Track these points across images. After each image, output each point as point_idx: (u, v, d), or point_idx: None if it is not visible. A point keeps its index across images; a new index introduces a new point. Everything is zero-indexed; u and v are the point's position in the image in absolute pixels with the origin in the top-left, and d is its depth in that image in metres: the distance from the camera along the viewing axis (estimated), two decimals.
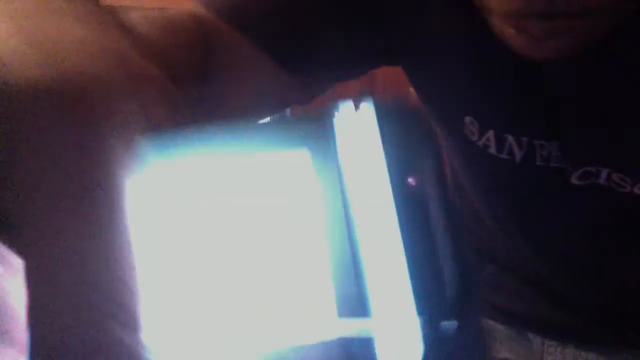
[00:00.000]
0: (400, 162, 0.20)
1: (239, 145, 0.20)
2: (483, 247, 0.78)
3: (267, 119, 0.21)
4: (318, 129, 0.20)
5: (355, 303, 0.19)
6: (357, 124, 0.20)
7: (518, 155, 0.60)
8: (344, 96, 0.21)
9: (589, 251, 0.66)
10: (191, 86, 0.40)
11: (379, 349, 0.18)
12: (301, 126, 0.20)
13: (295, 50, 0.57)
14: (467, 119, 0.61)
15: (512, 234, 0.70)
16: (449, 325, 0.19)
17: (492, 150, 0.61)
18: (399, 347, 0.19)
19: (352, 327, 0.18)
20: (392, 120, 0.20)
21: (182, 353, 0.19)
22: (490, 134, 0.60)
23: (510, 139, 0.59)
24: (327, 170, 0.20)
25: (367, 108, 0.20)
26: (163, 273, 0.20)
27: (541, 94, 0.56)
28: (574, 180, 0.60)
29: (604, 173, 0.58)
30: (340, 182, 0.19)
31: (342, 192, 0.19)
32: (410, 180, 0.20)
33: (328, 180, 0.20)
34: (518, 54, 0.51)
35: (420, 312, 0.19)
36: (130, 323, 0.19)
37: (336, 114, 0.21)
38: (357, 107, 0.21)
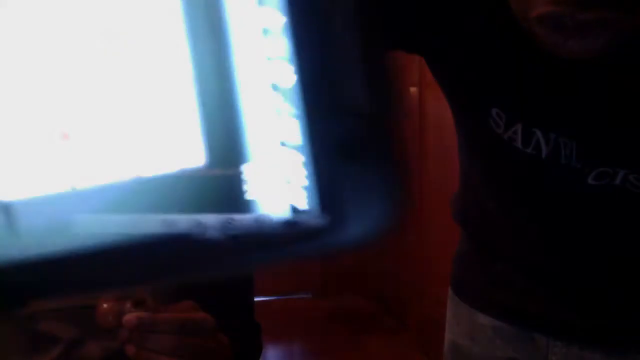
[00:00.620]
0: None
1: None
2: (491, 245, 0.79)
3: None
4: None
5: (229, 124, 0.15)
6: None
7: (544, 150, 0.61)
8: None
9: (602, 251, 0.68)
10: None
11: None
12: None
13: None
14: (494, 110, 0.62)
15: (526, 231, 0.71)
16: (350, 143, 0.15)
17: (518, 143, 0.61)
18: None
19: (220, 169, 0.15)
20: None
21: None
22: (518, 127, 0.60)
23: (538, 133, 0.60)
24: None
25: None
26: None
27: (571, 91, 0.58)
28: (590, 180, 0.62)
29: (621, 174, 0.60)
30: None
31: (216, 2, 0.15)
32: None
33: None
34: (552, 53, 0.53)
35: (308, 130, 0.15)
36: None
37: None
38: None
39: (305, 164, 0.15)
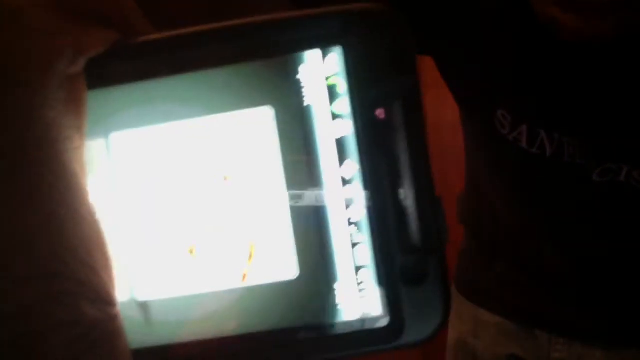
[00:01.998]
0: (370, 96, 0.20)
1: (195, 104, 0.20)
2: (495, 243, 0.79)
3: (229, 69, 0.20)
4: (283, 84, 0.20)
5: (317, 248, 0.20)
6: (323, 74, 0.20)
7: (549, 150, 0.62)
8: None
9: (605, 247, 0.68)
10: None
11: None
12: (264, 80, 0.20)
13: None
14: (500, 112, 0.62)
15: (531, 229, 0.72)
16: (412, 268, 0.20)
17: (523, 144, 0.62)
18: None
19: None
20: (364, 55, 0.19)
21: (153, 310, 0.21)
22: (523, 128, 0.61)
23: (542, 133, 0.61)
24: (290, 128, 0.20)
25: (335, 57, 0.20)
26: (127, 236, 0.21)
27: (574, 90, 0.58)
28: (595, 177, 0.62)
29: (625, 170, 0.60)
30: (305, 140, 0.20)
31: (305, 147, 0.20)
32: (379, 112, 0.20)
33: (291, 138, 0.20)
34: (558, 40, 0.52)
35: (378, 257, 0.20)
36: (99, 296, 0.19)
37: (302, 66, 0.20)
38: (324, 55, 0.20)
39: (376, 282, 0.20)
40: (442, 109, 2.00)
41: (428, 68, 0.71)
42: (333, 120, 0.20)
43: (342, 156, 0.20)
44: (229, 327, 0.20)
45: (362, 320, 0.20)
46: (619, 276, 0.70)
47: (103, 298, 0.19)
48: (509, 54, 0.61)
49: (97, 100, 0.19)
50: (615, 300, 0.72)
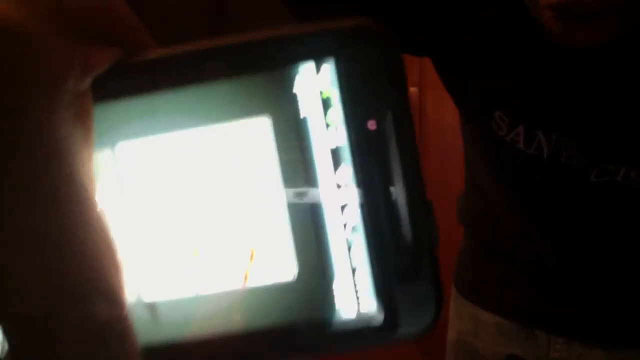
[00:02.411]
0: (362, 107, 0.21)
1: (196, 115, 0.21)
2: (495, 243, 0.80)
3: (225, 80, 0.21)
4: (279, 95, 0.21)
5: (314, 250, 0.21)
6: (317, 86, 0.21)
7: (546, 151, 0.62)
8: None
9: (604, 247, 0.68)
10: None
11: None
12: (260, 92, 0.21)
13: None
14: (497, 113, 0.63)
15: (530, 229, 0.72)
16: (404, 268, 0.21)
17: (521, 145, 0.63)
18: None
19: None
20: (355, 68, 0.21)
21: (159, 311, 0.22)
22: (520, 129, 0.62)
23: (540, 134, 0.61)
24: (286, 136, 0.21)
25: (329, 69, 0.21)
26: (135, 241, 0.22)
27: (572, 90, 0.58)
28: (593, 177, 0.62)
29: (622, 170, 0.60)
30: (302, 148, 0.21)
31: (301, 155, 0.21)
32: (371, 123, 0.21)
33: (287, 146, 0.21)
34: (554, 43, 0.52)
35: (373, 258, 0.21)
36: (110, 298, 0.20)
37: (297, 78, 0.21)
38: (318, 68, 0.21)
39: (371, 282, 0.21)
40: (442, 109, 2.01)
41: (428, 69, 0.71)
42: (327, 129, 0.21)
43: (336, 163, 0.21)
44: (232, 326, 0.21)
45: (359, 318, 0.21)
46: (618, 276, 0.70)
47: (113, 298, 0.20)
48: (505, 56, 0.61)
49: (104, 113, 0.21)
50: (614, 300, 0.72)
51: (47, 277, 0.19)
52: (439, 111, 1.99)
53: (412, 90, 2.18)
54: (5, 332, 0.19)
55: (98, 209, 0.20)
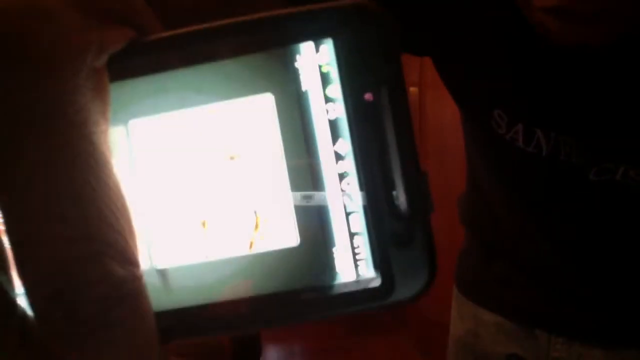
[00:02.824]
0: (359, 82, 0.22)
1: (203, 93, 0.23)
2: (495, 243, 0.80)
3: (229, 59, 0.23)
4: (281, 72, 0.22)
5: (315, 217, 0.22)
6: (317, 63, 0.22)
7: (545, 149, 0.62)
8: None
9: (604, 246, 0.68)
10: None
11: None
12: (264, 70, 0.23)
13: None
14: (496, 112, 0.63)
15: (530, 228, 0.72)
16: (400, 234, 0.22)
17: (520, 143, 0.63)
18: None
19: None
20: (353, 45, 0.22)
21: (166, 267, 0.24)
22: (519, 127, 0.62)
23: (539, 132, 0.61)
24: (288, 111, 0.23)
25: (328, 47, 0.22)
26: (147, 212, 0.24)
27: (570, 89, 0.59)
28: (592, 176, 0.62)
29: (621, 169, 0.60)
30: (303, 121, 0.22)
31: (302, 128, 0.22)
32: (368, 97, 0.22)
33: (289, 121, 0.23)
34: (552, 44, 0.53)
35: (370, 224, 0.22)
36: (126, 258, 0.21)
37: (298, 56, 0.22)
38: (318, 46, 0.22)
39: (369, 247, 0.22)
40: (442, 109, 2.01)
41: (428, 69, 0.72)
42: (326, 104, 0.22)
43: (335, 135, 0.22)
44: (239, 290, 0.23)
45: (357, 282, 0.22)
46: (618, 275, 0.70)
47: (129, 259, 0.21)
48: (504, 55, 0.61)
49: (118, 92, 0.23)
50: (614, 299, 0.72)
51: (69, 236, 0.20)
52: (439, 111, 1.99)
53: (412, 90, 2.18)
54: (27, 287, 0.21)
55: (115, 176, 0.22)
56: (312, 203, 0.22)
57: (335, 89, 0.22)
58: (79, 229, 0.20)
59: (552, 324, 0.76)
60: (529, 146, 0.63)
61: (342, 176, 0.22)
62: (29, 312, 0.22)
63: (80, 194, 0.20)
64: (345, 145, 0.22)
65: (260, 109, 0.23)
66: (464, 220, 0.85)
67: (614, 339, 0.73)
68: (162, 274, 0.24)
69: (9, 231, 0.21)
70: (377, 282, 0.22)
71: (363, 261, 0.22)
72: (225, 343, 0.51)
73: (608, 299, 0.72)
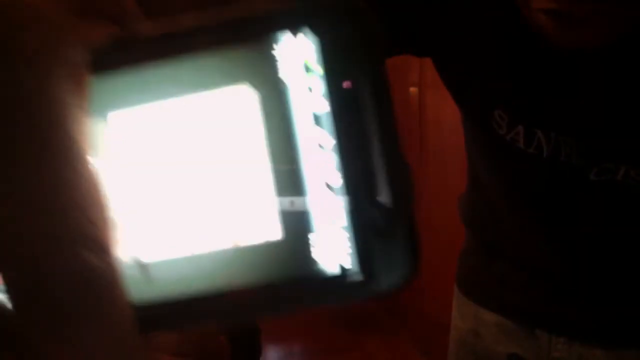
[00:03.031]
0: (338, 68, 0.22)
1: (184, 84, 0.23)
2: (496, 243, 0.80)
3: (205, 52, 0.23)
4: (261, 63, 0.23)
5: (297, 210, 0.22)
6: (297, 52, 0.22)
7: (546, 150, 0.62)
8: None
9: (605, 247, 0.68)
10: None
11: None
12: (244, 60, 0.23)
13: None
14: (496, 112, 0.63)
15: (531, 229, 0.72)
16: (382, 226, 0.22)
17: (520, 144, 0.63)
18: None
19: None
20: (332, 34, 0.22)
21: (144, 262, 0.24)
22: (520, 128, 0.62)
23: (539, 133, 0.61)
24: (269, 101, 0.23)
25: (307, 37, 0.22)
26: (128, 205, 0.24)
27: (571, 89, 0.59)
28: (592, 176, 0.62)
29: (622, 169, 0.60)
30: (283, 112, 0.22)
31: (283, 118, 0.22)
32: (348, 86, 0.22)
33: (270, 110, 0.23)
34: (551, 44, 0.53)
35: (352, 216, 0.22)
36: (99, 246, 0.21)
37: (277, 46, 0.22)
38: (298, 38, 0.22)
39: (349, 238, 0.22)
40: (442, 109, 2.01)
41: (428, 69, 0.72)
42: (307, 94, 0.22)
43: (315, 126, 0.22)
44: (221, 284, 0.23)
45: (339, 274, 0.22)
46: (619, 275, 0.70)
47: (103, 249, 0.21)
48: (504, 55, 0.61)
49: (97, 85, 0.23)
50: (614, 299, 0.72)
51: (42, 222, 0.20)
52: (439, 111, 1.99)
53: (412, 90, 2.18)
54: (4, 279, 0.21)
55: (90, 166, 0.22)
56: (294, 195, 0.22)
57: (315, 79, 0.22)
58: (50, 216, 0.21)
59: (552, 324, 0.76)
60: (529, 147, 0.63)
61: (323, 167, 0.22)
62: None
63: (55, 184, 0.21)
64: (326, 135, 0.22)
65: (240, 100, 0.23)
66: (465, 220, 0.85)
67: (614, 339, 0.73)
68: (143, 267, 0.24)
69: None
70: (359, 274, 0.22)
71: (345, 253, 0.22)
72: (224, 344, 0.51)
73: (608, 299, 0.71)
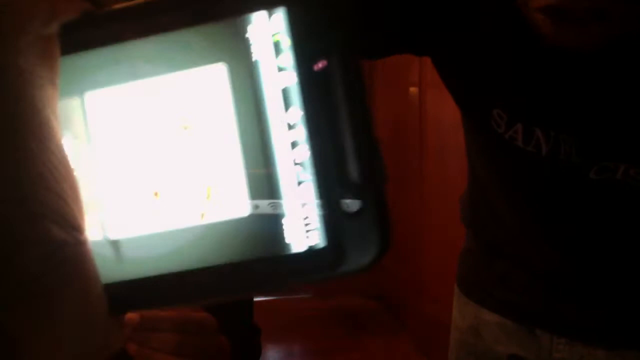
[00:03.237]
0: (310, 51, 0.22)
1: (158, 64, 0.23)
2: (497, 243, 0.80)
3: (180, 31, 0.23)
4: (234, 42, 0.23)
5: (266, 187, 0.23)
6: (269, 32, 0.22)
7: (544, 148, 0.62)
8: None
9: (604, 246, 0.68)
10: None
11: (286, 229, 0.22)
12: (217, 40, 0.23)
13: None
14: (495, 111, 0.63)
15: (531, 227, 0.72)
16: (351, 204, 0.21)
17: (519, 142, 0.63)
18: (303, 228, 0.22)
19: (263, 207, 0.23)
20: (304, 14, 0.22)
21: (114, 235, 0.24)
22: (519, 126, 0.62)
23: (538, 131, 0.61)
24: (241, 81, 0.23)
25: (280, 17, 0.22)
26: (100, 183, 0.24)
27: (570, 88, 0.59)
28: (592, 175, 0.62)
29: (622, 168, 0.60)
30: (255, 91, 0.22)
31: (255, 97, 0.22)
32: (319, 65, 0.22)
33: (242, 90, 0.23)
34: (550, 44, 0.53)
35: (321, 194, 0.22)
36: (67, 221, 0.21)
37: (250, 26, 0.23)
38: (270, 16, 0.22)
39: (319, 217, 0.22)
40: (442, 108, 2.01)
41: (428, 69, 0.71)
42: (278, 72, 0.22)
43: (287, 104, 0.22)
44: (190, 261, 0.23)
45: (308, 252, 0.22)
46: (619, 275, 0.70)
47: (70, 223, 0.21)
48: (503, 54, 0.61)
49: (74, 64, 0.23)
50: (615, 299, 0.72)
51: (8, 196, 0.20)
52: (439, 110, 1.99)
53: (412, 90, 2.18)
54: None
55: (59, 142, 0.21)
56: (263, 172, 0.22)
57: (287, 58, 0.22)
58: (18, 190, 0.20)
59: (553, 324, 0.76)
60: (528, 145, 0.63)
61: (293, 145, 0.22)
62: None
63: (21, 156, 0.20)
64: (297, 113, 0.22)
65: (213, 79, 0.23)
66: (465, 220, 0.85)
67: (615, 340, 0.73)
68: (114, 244, 0.24)
69: None
70: (327, 252, 0.22)
71: (314, 231, 0.22)
72: (224, 343, 0.51)
73: (609, 299, 0.71)
